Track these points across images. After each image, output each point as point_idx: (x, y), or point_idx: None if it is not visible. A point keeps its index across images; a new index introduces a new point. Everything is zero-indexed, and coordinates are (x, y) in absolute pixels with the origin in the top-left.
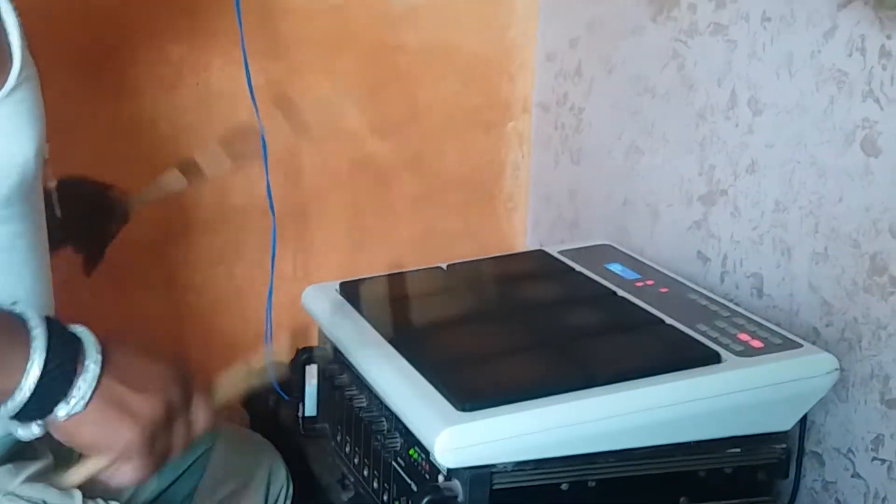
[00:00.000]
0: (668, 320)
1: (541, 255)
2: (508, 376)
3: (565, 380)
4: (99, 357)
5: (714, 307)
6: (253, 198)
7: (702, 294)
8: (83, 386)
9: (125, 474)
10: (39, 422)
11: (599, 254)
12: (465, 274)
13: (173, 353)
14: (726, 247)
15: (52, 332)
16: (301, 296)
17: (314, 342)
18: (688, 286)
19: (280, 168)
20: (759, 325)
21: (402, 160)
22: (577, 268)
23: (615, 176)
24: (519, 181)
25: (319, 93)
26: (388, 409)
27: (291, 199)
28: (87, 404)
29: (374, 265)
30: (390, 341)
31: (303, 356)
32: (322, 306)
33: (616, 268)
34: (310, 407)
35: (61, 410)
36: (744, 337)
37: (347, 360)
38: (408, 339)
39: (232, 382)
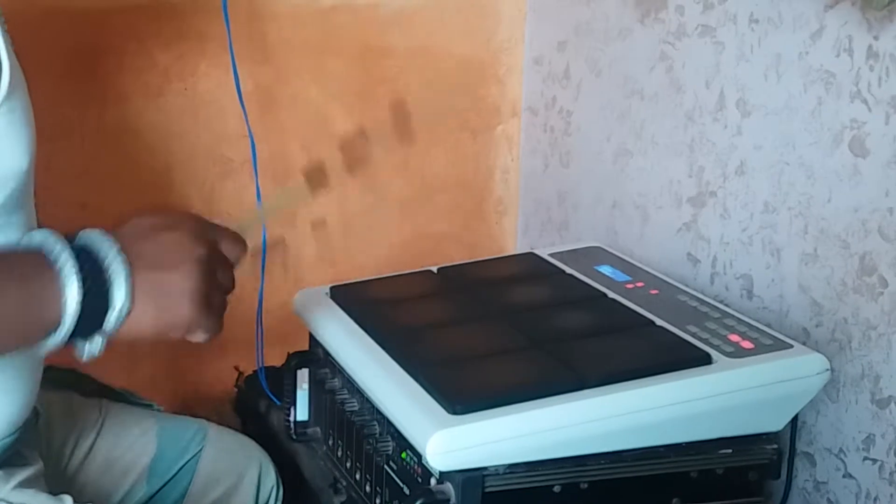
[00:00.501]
0: (659, 322)
1: (531, 257)
2: (500, 379)
3: (556, 382)
4: (120, 255)
5: (704, 308)
6: (241, 202)
7: (692, 295)
8: (119, 291)
9: (202, 336)
10: (96, 337)
11: (589, 256)
12: (455, 277)
13: (173, 205)
14: (716, 248)
15: (76, 251)
16: (292, 300)
17: (305, 346)
18: (678, 288)
19: (269, 172)
20: (750, 325)
21: (391, 164)
22: (568, 270)
23: (605, 178)
24: (509, 184)
25: (308, 96)
26: (379, 412)
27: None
28: (131, 305)
29: (364, 269)
30: (381, 345)
31: (294, 361)
32: (313, 311)
33: (606, 270)
34: (301, 411)
35: (110, 322)
36: (734, 338)
37: (338, 364)
38: (399, 342)
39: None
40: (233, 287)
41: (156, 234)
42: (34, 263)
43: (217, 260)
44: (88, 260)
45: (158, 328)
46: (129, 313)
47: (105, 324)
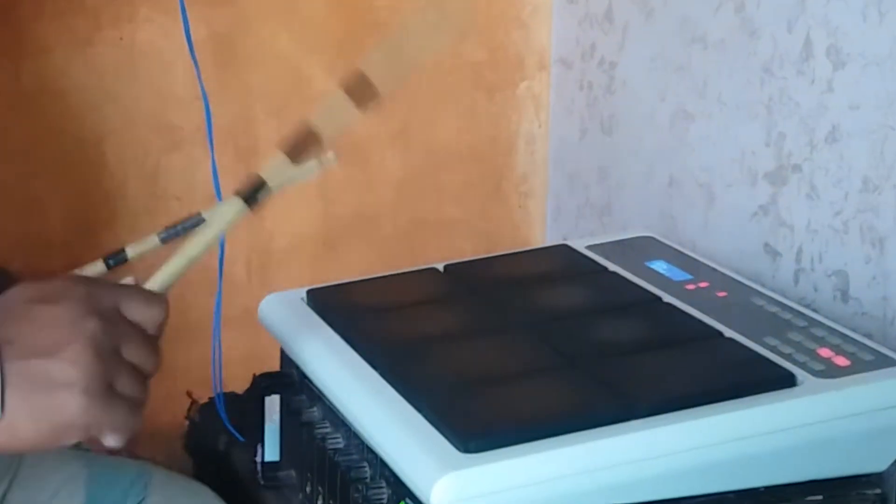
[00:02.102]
0: (728, 332)
1: (564, 251)
2: (524, 407)
3: (597, 410)
4: None
5: (786, 315)
6: (194, 182)
7: (770, 298)
8: None
9: (111, 439)
10: None
11: (639, 249)
12: (467, 277)
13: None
14: (801, 238)
15: None
16: (258, 308)
17: (276, 367)
18: (752, 289)
19: (229, 144)
20: (845, 337)
21: (385, 132)
22: (611, 267)
23: (658, 149)
24: (535, 158)
25: (278, 48)
26: (371, 451)
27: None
28: (2, 407)
29: (350, 267)
30: (373, 364)
31: (261, 385)
32: (285, 321)
33: (660, 266)
34: (271, 450)
35: None
36: (825, 353)
37: (318, 389)
38: (395, 361)
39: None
40: (154, 365)
41: (30, 311)
42: None
43: (120, 334)
44: None
45: (41, 435)
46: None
47: None
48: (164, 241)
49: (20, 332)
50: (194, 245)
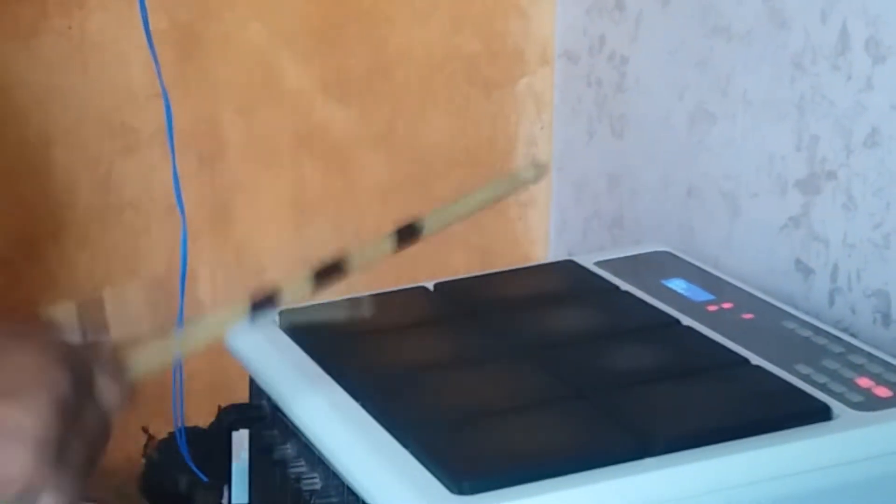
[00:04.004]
0: (755, 360)
1: (570, 267)
2: (525, 443)
3: (608, 447)
4: None
5: (820, 340)
6: (151, 190)
7: (802, 321)
8: None
9: (50, 501)
10: None
11: (655, 265)
12: (461, 297)
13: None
14: (837, 253)
15: None
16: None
17: (244, 398)
18: (782, 310)
19: (192, 147)
20: (887, 364)
21: (368, 134)
22: (623, 286)
23: (676, 153)
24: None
25: (247, 38)
26: (351, 492)
27: (209, 191)
28: None
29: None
30: (354, 395)
31: (228, 418)
32: (255, 346)
33: (679, 285)
34: (239, 491)
35: None
36: (864, 382)
37: (292, 424)
38: (380, 391)
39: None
40: (104, 440)
41: (2, 351)
42: None
43: (84, 394)
44: None
45: None
46: None
47: None
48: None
49: None
50: (186, 341)
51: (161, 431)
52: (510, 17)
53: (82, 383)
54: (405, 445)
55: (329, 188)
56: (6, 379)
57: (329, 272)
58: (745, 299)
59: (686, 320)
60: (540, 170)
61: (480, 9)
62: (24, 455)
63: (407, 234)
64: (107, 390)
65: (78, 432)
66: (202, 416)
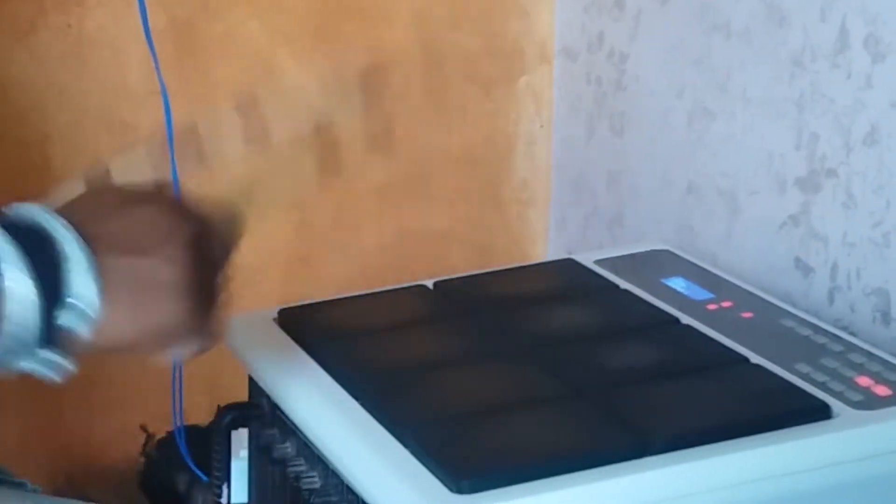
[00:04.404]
0: (755, 358)
1: (569, 266)
2: (525, 442)
3: (607, 446)
4: (74, 234)
5: (820, 338)
6: None
7: (802, 320)
8: (84, 286)
9: (197, 345)
10: (56, 353)
11: (654, 263)
12: (460, 295)
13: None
14: (836, 252)
15: (18, 235)
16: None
17: (243, 396)
18: (781, 309)
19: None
20: (886, 363)
21: (366, 133)
22: (623, 284)
23: (674, 151)
24: (536, 161)
25: (246, 36)
26: (351, 491)
27: (208, 191)
28: (99, 304)
29: (327, 284)
30: (354, 394)
31: (227, 417)
32: (254, 344)
33: (678, 283)
34: (238, 490)
35: (76, 323)
36: (864, 381)
37: (292, 422)
38: (379, 390)
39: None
40: (227, 276)
41: (124, 209)
42: None
43: (210, 243)
44: (31, 240)
45: (140, 332)
46: (94, 319)
47: (69, 328)
48: None
49: (114, 229)
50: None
51: (160, 430)
52: (509, 15)
53: (202, 227)
54: (405, 444)
55: (327, 186)
56: (142, 235)
57: None
58: (745, 298)
59: (685, 319)
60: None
61: (479, 7)
62: (176, 305)
63: None
64: (221, 228)
65: (209, 272)
66: (201, 415)
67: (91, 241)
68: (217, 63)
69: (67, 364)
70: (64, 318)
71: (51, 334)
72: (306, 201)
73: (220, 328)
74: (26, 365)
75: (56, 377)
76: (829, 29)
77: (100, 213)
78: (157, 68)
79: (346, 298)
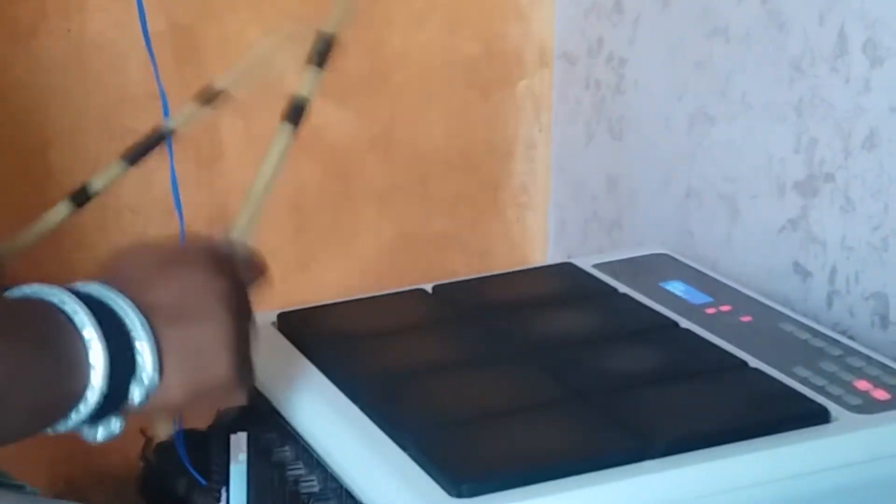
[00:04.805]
0: (754, 362)
1: (568, 270)
2: (524, 446)
3: (607, 450)
4: (139, 315)
5: (818, 343)
6: (150, 192)
7: (801, 324)
8: (146, 357)
9: (241, 396)
10: (116, 416)
11: (653, 268)
12: (459, 299)
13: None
14: (835, 256)
15: (87, 305)
16: None
17: (242, 400)
18: (780, 313)
19: (191, 150)
20: (885, 367)
21: (366, 136)
22: (622, 288)
23: (674, 155)
24: (535, 165)
25: (245, 40)
26: (350, 496)
27: (207, 193)
28: (160, 369)
29: (325, 287)
30: (353, 398)
31: (226, 421)
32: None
33: (677, 287)
34: (237, 494)
35: (137, 394)
36: (862, 385)
37: (291, 426)
38: (378, 393)
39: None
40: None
41: (165, 274)
42: (44, 315)
43: (241, 291)
44: (103, 313)
45: (189, 395)
46: (155, 382)
47: (129, 397)
48: (131, 163)
49: (163, 297)
50: (260, 185)
51: (159, 434)
52: (508, 19)
53: (236, 280)
54: (404, 448)
55: (327, 191)
56: (187, 300)
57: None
58: (744, 302)
59: (684, 323)
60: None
61: (478, 11)
62: (227, 365)
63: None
64: (243, 273)
65: (246, 322)
66: (200, 419)
67: (145, 312)
68: (217, 68)
69: (119, 425)
70: (131, 385)
71: (116, 404)
72: (305, 205)
73: (254, 373)
74: (87, 419)
75: (102, 440)
76: (829, 33)
77: (145, 280)
78: (157, 73)
79: (345, 303)
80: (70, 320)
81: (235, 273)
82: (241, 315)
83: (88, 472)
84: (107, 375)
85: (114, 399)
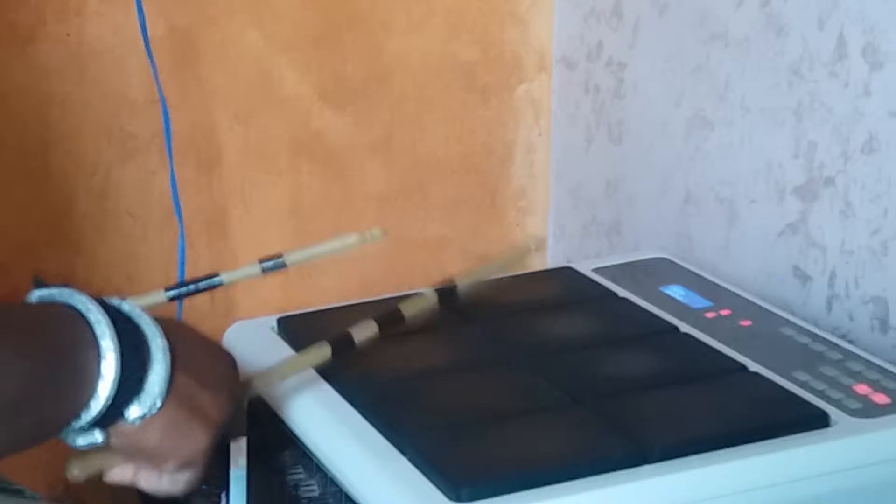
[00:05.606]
0: (753, 366)
1: (568, 274)
2: (524, 451)
3: (606, 454)
4: (165, 343)
5: (818, 347)
6: (149, 196)
7: (800, 328)
8: (156, 382)
9: (178, 483)
10: (102, 430)
11: (652, 272)
12: (458, 303)
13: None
14: (835, 260)
15: (112, 318)
16: (223, 337)
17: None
18: (780, 317)
19: (190, 154)
20: (884, 371)
21: (365, 141)
22: (621, 292)
23: (673, 160)
24: (534, 169)
25: (245, 45)
26: (349, 499)
27: (207, 198)
28: (162, 404)
29: (325, 292)
30: (352, 402)
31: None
32: (253, 352)
33: (677, 291)
34: (237, 499)
35: (134, 413)
36: (862, 389)
37: (291, 431)
38: (378, 398)
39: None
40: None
41: (200, 344)
42: (65, 322)
43: (238, 396)
44: (130, 330)
45: (160, 445)
46: (151, 416)
47: (126, 415)
48: (170, 299)
49: (187, 353)
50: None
51: None
52: (507, 24)
53: (241, 398)
54: (403, 452)
55: (327, 195)
56: (207, 371)
57: (388, 322)
58: (743, 306)
59: (684, 327)
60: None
61: (477, 16)
62: (203, 435)
63: (447, 293)
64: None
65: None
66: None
67: (171, 352)
68: (216, 72)
69: (105, 437)
70: (131, 409)
71: (113, 418)
72: (305, 210)
73: (196, 482)
74: (85, 428)
75: (84, 446)
76: (828, 38)
77: (182, 336)
78: (156, 77)
79: (344, 307)
80: (90, 329)
81: (243, 393)
82: (231, 408)
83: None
84: (114, 388)
85: (112, 413)
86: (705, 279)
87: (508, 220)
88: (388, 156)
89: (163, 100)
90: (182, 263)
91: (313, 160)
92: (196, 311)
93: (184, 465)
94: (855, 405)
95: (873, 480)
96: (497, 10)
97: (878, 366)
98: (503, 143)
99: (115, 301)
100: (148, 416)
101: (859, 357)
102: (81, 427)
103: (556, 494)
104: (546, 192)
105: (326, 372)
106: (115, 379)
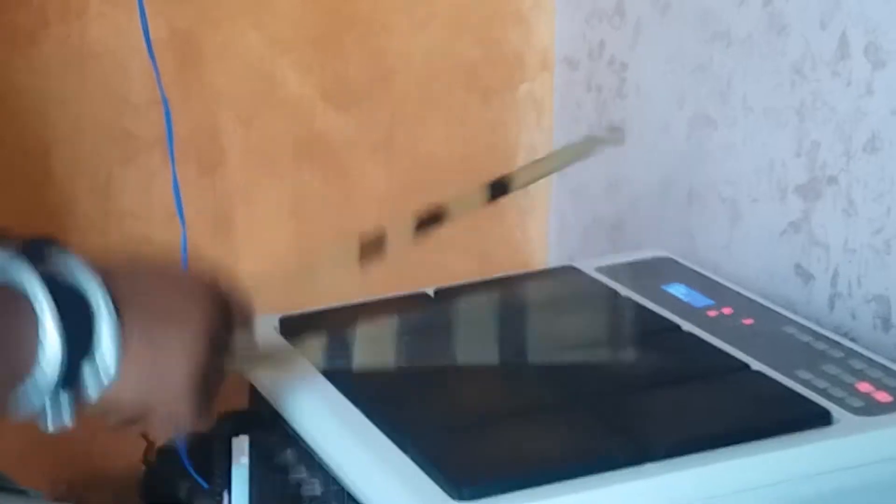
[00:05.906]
0: (756, 365)
1: (570, 273)
2: (526, 449)
3: (608, 453)
4: (101, 291)
5: (820, 345)
6: (151, 198)
7: (803, 326)
8: (103, 335)
9: (181, 428)
10: (68, 406)
11: (655, 271)
12: (460, 303)
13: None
14: (837, 258)
15: (57, 297)
16: None
17: (244, 404)
18: (782, 315)
19: (192, 155)
20: (886, 369)
21: (368, 141)
22: (623, 291)
23: (675, 159)
24: None
25: (247, 46)
26: (352, 499)
27: (209, 199)
28: (118, 363)
29: (328, 292)
30: (354, 401)
31: (228, 424)
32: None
33: (679, 290)
34: (239, 497)
35: (90, 378)
36: (864, 387)
37: (293, 430)
38: (380, 397)
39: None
40: (224, 378)
41: (156, 284)
42: (5, 304)
43: (225, 331)
44: (68, 294)
45: (139, 400)
46: (112, 378)
47: (83, 384)
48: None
49: (143, 300)
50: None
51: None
52: (509, 24)
53: (223, 317)
54: (405, 451)
55: (329, 196)
56: (165, 315)
57: (429, 221)
58: (746, 304)
59: (686, 325)
60: (617, 133)
61: (479, 16)
62: (181, 387)
63: (498, 188)
64: (236, 316)
65: (217, 368)
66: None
67: (117, 302)
68: (218, 73)
69: (70, 415)
70: (86, 371)
71: (72, 382)
72: (306, 210)
73: (208, 419)
74: (37, 402)
75: (54, 425)
76: (830, 37)
77: (133, 281)
78: (158, 78)
79: (347, 306)
80: (27, 297)
81: (227, 313)
82: (216, 351)
83: (90, 475)
84: (59, 354)
85: (69, 384)
86: (707, 278)
87: (510, 219)
88: (390, 156)
89: (165, 101)
90: (184, 262)
91: (315, 161)
92: None
93: (173, 408)
94: (857, 403)
95: (876, 479)
96: (499, 10)
97: (881, 364)
98: (505, 142)
99: (57, 262)
100: (108, 380)
101: (861, 355)
102: (46, 404)
103: (559, 492)
104: (548, 191)
105: (328, 371)
106: (58, 345)
